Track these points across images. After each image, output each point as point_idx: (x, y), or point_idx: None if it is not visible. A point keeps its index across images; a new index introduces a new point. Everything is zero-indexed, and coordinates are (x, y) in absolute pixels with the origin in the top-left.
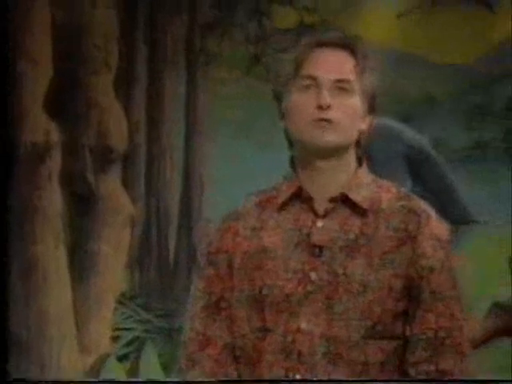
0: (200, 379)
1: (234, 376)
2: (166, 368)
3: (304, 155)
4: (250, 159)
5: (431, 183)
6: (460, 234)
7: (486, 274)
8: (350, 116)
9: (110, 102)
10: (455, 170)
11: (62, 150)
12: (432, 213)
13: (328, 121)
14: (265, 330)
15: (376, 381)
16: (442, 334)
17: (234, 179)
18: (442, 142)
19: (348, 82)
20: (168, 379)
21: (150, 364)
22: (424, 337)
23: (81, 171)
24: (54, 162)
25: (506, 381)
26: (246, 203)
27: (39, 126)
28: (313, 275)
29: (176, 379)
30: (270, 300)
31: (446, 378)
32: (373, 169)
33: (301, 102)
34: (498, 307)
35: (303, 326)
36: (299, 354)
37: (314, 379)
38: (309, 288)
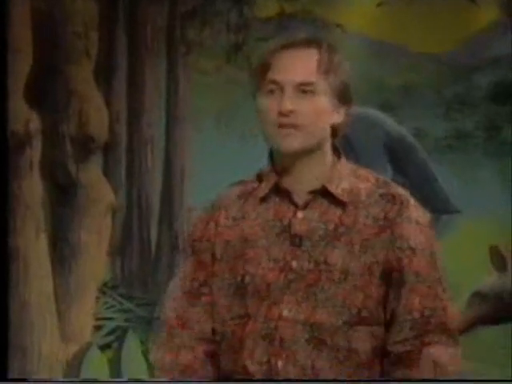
0: (190, 379)
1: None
2: (147, 357)
3: (280, 156)
4: (232, 148)
5: (412, 173)
6: (441, 224)
7: (467, 264)
8: (315, 117)
9: (91, 91)
10: (436, 160)
11: (42, 139)
12: (411, 199)
13: (293, 125)
14: (246, 317)
15: (376, 381)
16: (427, 313)
17: (216, 169)
18: (422, 131)
19: (311, 84)
20: (154, 379)
21: (132, 353)
22: (410, 317)
23: (61, 160)
24: (35, 152)
25: (506, 380)
26: (227, 194)
27: (19, 115)
28: (294, 264)
29: (163, 379)
30: (251, 288)
31: (432, 351)
32: (354, 159)
33: (266, 106)
34: (478, 296)
35: (285, 313)
36: (281, 340)
37: (312, 379)
38: (290, 276)
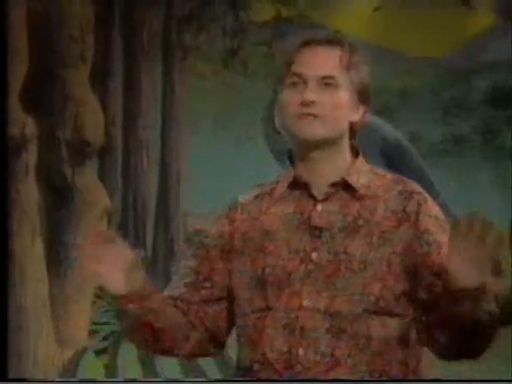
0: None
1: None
2: (143, 362)
3: (299, 148)
4: (228, 152)
5: (408, 178)
6: None
7: None
8: (336, 109)
9: (87, 95)
10: (432, 164)
11: (38, 143)
12: (427, 196)
13: (313, 115)
14: (267, 310)
15: (381, 381)
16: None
17: (212, 172)
18: (418, 135)
19: (333, 78)
20: (147, 377)
21: (128, 358)
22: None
23: (57, 164)
24: (31, 155)
25: (506, 381)
26: (245, 195)
27: (15, 119)
28: (314, 255)
29: (158, 379)
30: (272, 279)
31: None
32: None
33: (288, 98)
34: None
35: (305, 303)
36: (302, 329)
37: (315, 379)
38: (310, 267)
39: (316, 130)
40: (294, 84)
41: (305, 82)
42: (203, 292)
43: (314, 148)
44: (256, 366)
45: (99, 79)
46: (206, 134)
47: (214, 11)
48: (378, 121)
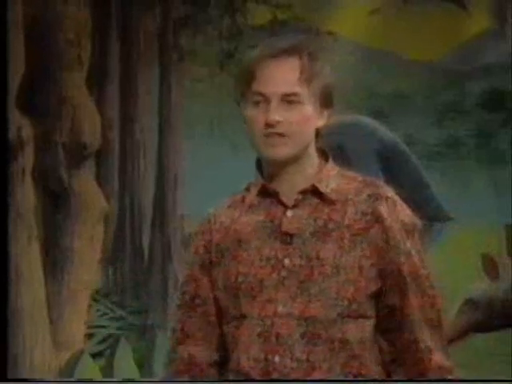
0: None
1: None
2: (140, 365)
3: (267, 163)
4: (224, 156)
5: (405, 180)
6: (433, 231)
7: (459, 271)
8: (302, 125)
9: (83, 98)
10: (428, 167)
11: (34, 146)
12: (397, 199)
13: (280, 135)
14: (242, 318)
15: (376, 381)
16: (426, 311)
17: (208, 176)
18: (414, 138)
19: (295, 94)
20: (144, 379)
21: (125, 361)
22: (416, 318)
23: (54, 167)
24: (27, 158)
25: (506, 381)
26: (217, 207)
27: (12, 122)
28: (286, 261)
29: (153, 379)
30: (245, 287)
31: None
32: (347, 166)
33: (252, 116)
34: (470, 303)
35: (280, 309)
36: (277, 336)
37: (318, 379)
38: (283, 274)
39: (283, 151)
40: (257, 103)
41: (267, 101)
42: (199, 310)
43: (282, 165)
44: (231, 376)
45: (96, 82)
46: (203, 137)
47: (211, 14)
48: (374, 123)
